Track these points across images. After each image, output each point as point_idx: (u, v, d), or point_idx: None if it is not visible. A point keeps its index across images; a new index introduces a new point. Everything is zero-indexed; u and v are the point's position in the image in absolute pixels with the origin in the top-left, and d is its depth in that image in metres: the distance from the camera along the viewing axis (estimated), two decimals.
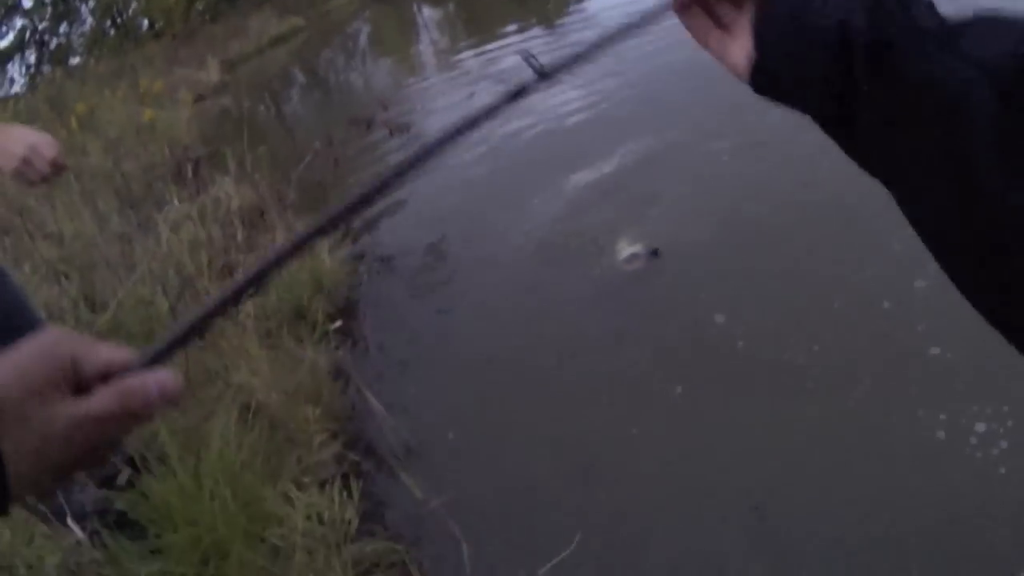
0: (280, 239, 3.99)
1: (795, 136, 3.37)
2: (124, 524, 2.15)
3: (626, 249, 3.23)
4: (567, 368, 2.75)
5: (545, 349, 2.89)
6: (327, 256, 3.99)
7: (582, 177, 4.18)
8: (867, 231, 2.70)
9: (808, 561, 1.74)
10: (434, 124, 6.12)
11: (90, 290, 3.63)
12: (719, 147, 3.84)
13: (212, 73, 11.93)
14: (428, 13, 9.72)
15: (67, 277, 3.80)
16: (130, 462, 2.33)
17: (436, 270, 3.89)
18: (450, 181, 4.79)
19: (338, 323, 3.60)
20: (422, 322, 3.49)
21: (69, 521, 1.89)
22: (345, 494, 2.30)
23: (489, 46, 7.63)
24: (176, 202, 4.46)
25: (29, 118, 8.76)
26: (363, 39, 9.53)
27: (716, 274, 2.89)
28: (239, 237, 4.02)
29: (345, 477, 2.41)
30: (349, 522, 2.21)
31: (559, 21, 8.03)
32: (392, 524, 2.32)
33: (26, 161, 1.60)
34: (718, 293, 2.76)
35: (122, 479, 2.34)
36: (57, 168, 1.68)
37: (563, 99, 5.39)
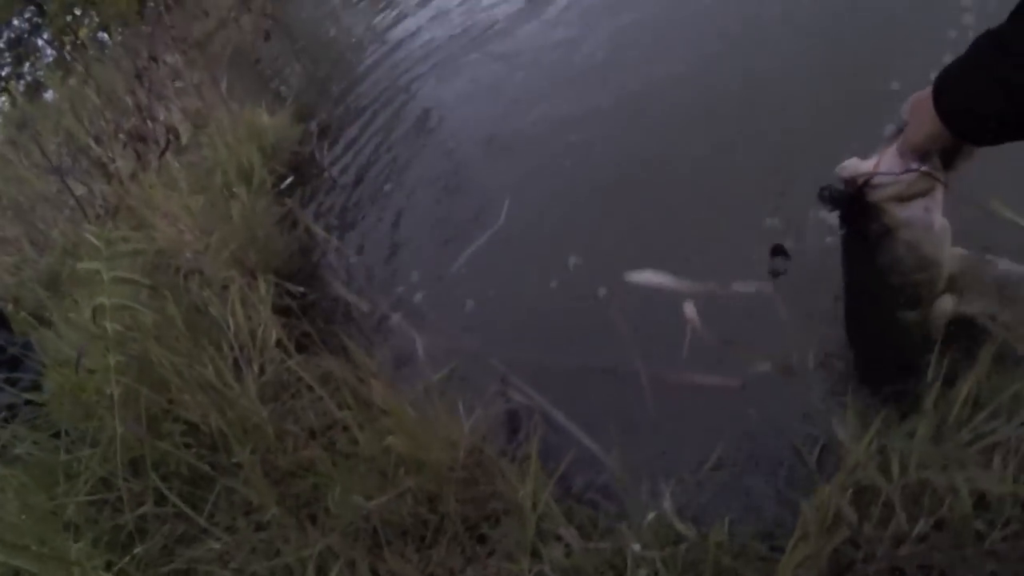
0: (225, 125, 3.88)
1: None
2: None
3: None
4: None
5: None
6: (267, 118, 3.93)
7: None
8: None
9: None
10: None
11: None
12: None
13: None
14: None
15: None
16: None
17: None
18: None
19: (290, 179, 3.60)
20: (377, 159, 3.45)
21: None
22: (262, 310, 2.17)
23: None
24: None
25: None
26: None
27: None
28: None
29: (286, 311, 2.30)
30: (265, 339, 2.07)
31: None
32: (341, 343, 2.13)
33: None
34: None
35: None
36: None
37: None
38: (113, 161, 3.27)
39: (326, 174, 3.60)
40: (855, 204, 1.22)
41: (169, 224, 2.90)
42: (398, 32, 5.33)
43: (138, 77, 3.66)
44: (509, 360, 1.83)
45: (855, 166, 1.21)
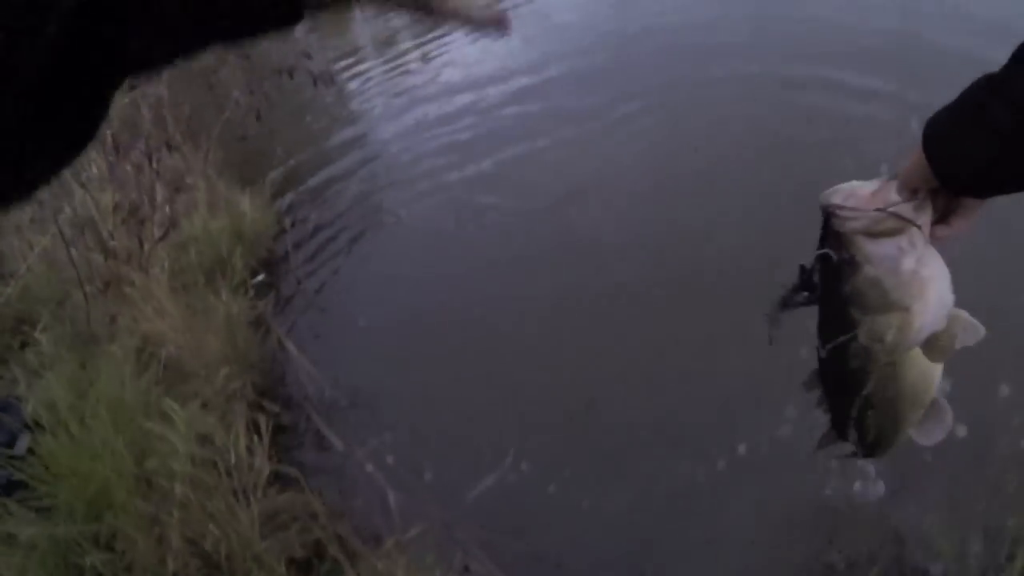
0: (202, 198, 4.06)
1: None
2: (15, 487, 2.27)
3: None
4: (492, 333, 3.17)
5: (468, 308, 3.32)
6: (248, 207, 4.07)
7: None
8: None
9: None
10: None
11: None
12: None
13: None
14: None
15: None
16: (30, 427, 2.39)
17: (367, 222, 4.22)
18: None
19: (261, 276, 3.79)
20: (350, 274, 3.83)
21: None
22: (256, 441, 2.44)
23: None
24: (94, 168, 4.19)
25: None
26: None
27: None
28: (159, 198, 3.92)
29: (258, 426, 2.52)
30: (259, 471, 2.32)
31: None
32: (314, 477, 2.54)
33: None
34: None
35: (21, 447, 2.39)
36: None
37: None
38: (112, 238, 3.46)
39: (300, 285, 3.92)
40: (822, 231, 1.18)
41: (156, 315, 3.16)
42: (383, 133, 5.63)
43: (148, 157, 3.83)
44: (469, 531, 2.30)
45: (851, 188, 1.14)
